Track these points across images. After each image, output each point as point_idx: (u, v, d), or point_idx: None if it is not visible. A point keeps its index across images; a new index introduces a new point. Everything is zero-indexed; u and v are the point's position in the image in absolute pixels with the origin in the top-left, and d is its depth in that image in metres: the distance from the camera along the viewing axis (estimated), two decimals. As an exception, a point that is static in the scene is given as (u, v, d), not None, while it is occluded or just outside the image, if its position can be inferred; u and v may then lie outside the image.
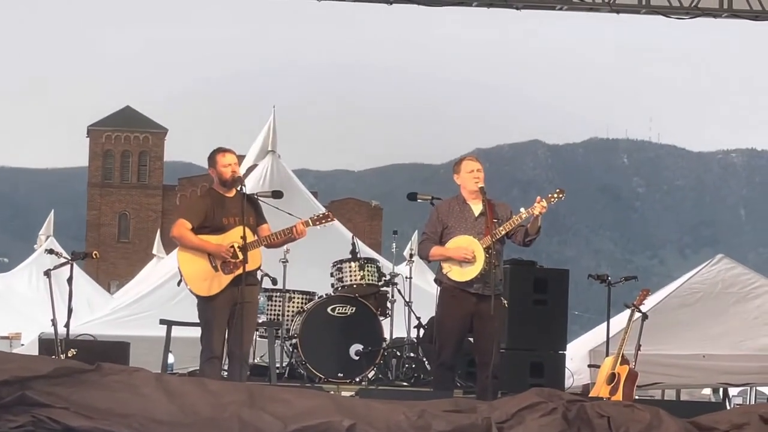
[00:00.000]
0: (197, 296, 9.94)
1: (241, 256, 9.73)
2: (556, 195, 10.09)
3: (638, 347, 12.00)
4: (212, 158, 10.03)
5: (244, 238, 9.72)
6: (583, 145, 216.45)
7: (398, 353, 13.23)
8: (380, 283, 13.14)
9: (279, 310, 13.17)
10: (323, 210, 17.02)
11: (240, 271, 9.73)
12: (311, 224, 10.11)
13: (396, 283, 13.47)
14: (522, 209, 10.04)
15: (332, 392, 10.46)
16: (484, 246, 9.96)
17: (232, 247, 9.79)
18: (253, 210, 10.06)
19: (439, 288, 10.32)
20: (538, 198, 9.99)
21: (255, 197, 10.23)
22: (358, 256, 13.40)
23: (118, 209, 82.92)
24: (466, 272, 10.00)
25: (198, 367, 10.16)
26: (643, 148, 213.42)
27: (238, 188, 9.98)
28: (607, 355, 12.11)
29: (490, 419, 7.22)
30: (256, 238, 9.89)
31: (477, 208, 10.19)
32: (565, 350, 12.78)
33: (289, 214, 10.76)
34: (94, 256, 12.36)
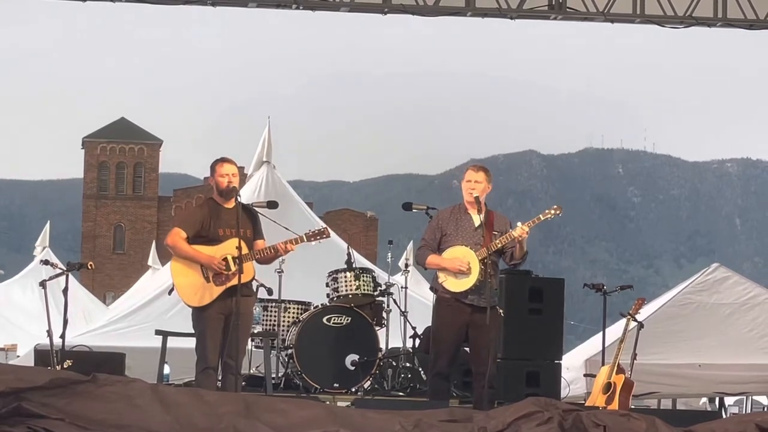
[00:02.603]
0: (190, 306, 9.93)
1: (233, 268, 9.71)
2: (552, 211, 10.05)
3: (634, 356, 12.02)
4: (212, 167, 10.06)
5: (239, 248, 9.69)
6: (578, 155, 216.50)
7: (394, 363, 13.22)
8: (376, 293, 13.12)
9: (274, 321, 13.16)
10: (318, 220, 17.06)
11: (232, 282, 9.71)
12: (306, 240, 10.06)
13: (391, 293, 13.46)
14: (519, 224, 10.01)
15: (328, 402, 10.45)
16: (480, 257, 9.95)
17: (225, 258, 9.77)
18: (251, 223, 10.03)
19: (434, 297, 10.31)
20: (519, 224, 9.95)
21: (254, 211, 10.21)
22: (354, 266, 13.38)
23: (114, 221, 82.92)
24: (460, 283, 9.99)
25: (193, 378, 10.14)
26: (638, 158, 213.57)
27: (236, 198, 9.96)
28: (603, 364, 12.11)
29: (486, 429, 7.22)
30: (249, 251, 9.85)
31: (477, 218, 10.18)
32: (561, 360, 12.79)
33: (286, 228, 10.70)
34: (90, 267, 12.36)
